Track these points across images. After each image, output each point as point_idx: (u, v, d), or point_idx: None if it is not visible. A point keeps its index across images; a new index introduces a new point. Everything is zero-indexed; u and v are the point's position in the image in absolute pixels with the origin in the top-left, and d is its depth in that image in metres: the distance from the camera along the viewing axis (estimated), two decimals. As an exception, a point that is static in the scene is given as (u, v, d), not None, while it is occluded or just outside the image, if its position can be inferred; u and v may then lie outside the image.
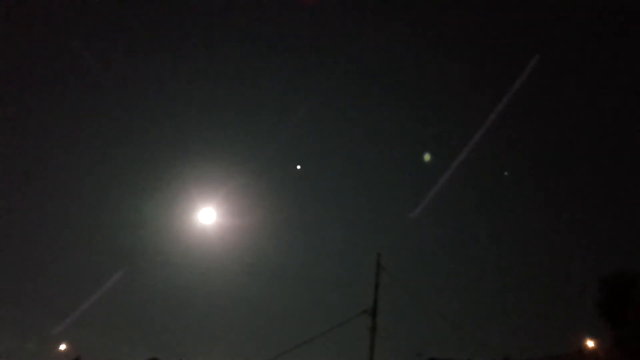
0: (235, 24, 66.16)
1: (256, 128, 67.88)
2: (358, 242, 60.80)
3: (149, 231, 53.01)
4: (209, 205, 47.43)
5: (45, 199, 58.43)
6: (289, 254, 55.87)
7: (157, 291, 52.89)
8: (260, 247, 52.68)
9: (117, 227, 56.77)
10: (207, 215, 33.65)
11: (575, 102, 65.81)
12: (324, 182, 65.67)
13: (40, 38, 61.03)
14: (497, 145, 65.65)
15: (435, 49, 68.49)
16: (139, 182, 60.22)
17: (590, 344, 33.94)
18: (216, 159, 56.73)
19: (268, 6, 64.51)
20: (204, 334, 49.94)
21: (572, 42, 62.50)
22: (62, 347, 41.30)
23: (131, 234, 54.67)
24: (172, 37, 65.43)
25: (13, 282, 51.57)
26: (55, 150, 60.68)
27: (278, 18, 64.32)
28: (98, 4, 60.36)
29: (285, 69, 67.86)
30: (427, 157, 55.51)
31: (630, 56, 61.06)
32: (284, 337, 43.95)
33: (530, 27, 65.08)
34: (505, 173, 57.75)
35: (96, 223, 56.46)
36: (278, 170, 65.53)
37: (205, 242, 43.46)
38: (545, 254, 60.19)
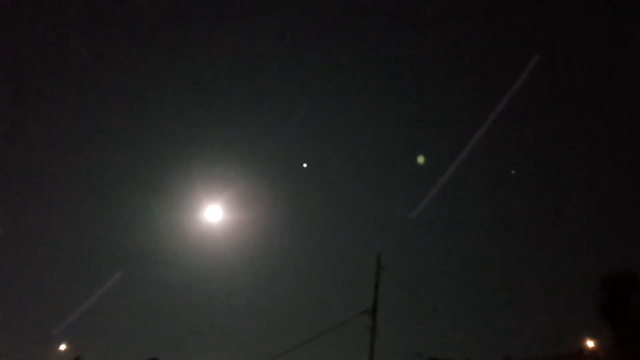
0: (237, 23, 66.18)
1: (259, 127, 67.96)
2: (358, 242, 60.81)
3: (152, 230, 53.10)
4: (215, 203, 47.53)
5: (47, 198, 58.50)
6: (289, 254, 55.90)
7: (157, 291, 52.94)
8: (262, 246, 52.74)
9: (119, 227, 56.87)
10: (213, 213, 33.58)
11: (575, 102, 65.85)
12: (324, 182, 65.71)
13: (40, 37, 61.06)
14: (497, 145, 65.68)
15: (436, 49, 68.53)
16: (142, 181, 60.32)
17: (590, 344, 33.91)
18: (221, 156, 56.80)
19: (269, 6, 64.54)
20: (204, 334, 49.95)
21: (572, 42, 62.54)
22: (62, 347, 41.29)
23: (134, 233, 54.80)
24: (172, 37, 65.43)
25: (13, 282, 51.60)
26: (56, 150, 60.77)
27: (279, 18, 64.37)
28: (98, 3, 60.43)
29: (286, 70, 67.88)
30: (420, 159, 55.36)
31: (630, 56, 61.08)
32: (284, 337, 43.98)
33: (530, 27, 65.14)
34: (512, 172, 57.73)
35: (98, 222, 56.56)
36: (280, 170, 65.57)
37: (211, 240, 43.42)
38: (546, 253, 60.21)
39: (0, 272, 50.39)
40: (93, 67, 54.87)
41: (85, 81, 62.16)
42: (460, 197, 63.30)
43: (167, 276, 50.39)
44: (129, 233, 56.39)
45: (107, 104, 63.86)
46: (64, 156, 60.68)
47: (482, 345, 30.91)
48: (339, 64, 69.48)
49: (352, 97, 70.45)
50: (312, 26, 66.73)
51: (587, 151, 64.70)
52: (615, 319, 31.07)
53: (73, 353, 41.31)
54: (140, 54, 65.56)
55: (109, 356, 44.83)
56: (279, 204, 56.78)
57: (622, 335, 30.43)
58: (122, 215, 56.33)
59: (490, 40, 70.11)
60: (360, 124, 68.52)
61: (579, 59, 63.39)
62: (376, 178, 70.23)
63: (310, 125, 65.45)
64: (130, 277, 48.06)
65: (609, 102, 62.88)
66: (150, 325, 51.74)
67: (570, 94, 66.29)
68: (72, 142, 61.77)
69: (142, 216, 54.81)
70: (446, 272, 59.25)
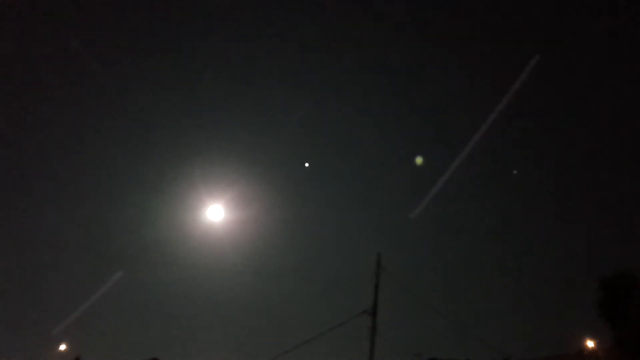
0: (238, 23, 66.26)
1: (260, 127, 67.99)
2: (358, 242, 60.83)
3: (153, 230, 53.08)
4: (217, 203, 47.59)
5: (47, 198, 58.51)
6: (289, 254, 55.89)
7: (157, 291, 52.95)
8: (262, 246, 52.76)
9: (120, 226, 56.89)
10: (215, 213, 33.58)
11: (575, 102, 65.86)
12: (325, 182, 65.72)
13: (40, 38, 61.07)
14: (497, 145, 65.70)
15: (436, 49, 68.56)
16: (143, 181, 60.36)
17: (590, 344, 33.93)
18: (223, 156, 56.80)
19: (269, 6, 64.58)
20: (204, 334, 49.96)
21: (572, 42, 62.53)
22: (62, 347, 41.26)
23: (135, 232, 54.81)
24: (173, 37, 65.45)
25: (13, 282, 51.61)
26: (57, 150, 60.74)
27: (280, 18, 64.44)
28: (98, 3, 60.45)
29: (287, 70, 67.94)
30: (418, 160, 55.30)
31: (630, 56, 61.10)
32: (284, 337, 43.96)
33: (530, 27, 65.14)
34: (515, 172, 57.83)
35: (99, 222, 56.54)
36: (281, 170, 65.61)
37: (212, 240, 43.42)
38: (546, 253, 60.22)
39: (0, 272, 50.40)
40: (93, 67, 54.87)
41: (85, 81, 62.18)
42: (460, 197, 63.27)
43: (167, 276, 50.37)
44: (129, 233, 56.44)
45: (108, 104, 63.93)
46: (64, 156, 60.74)
47: (482, 345, 30.92)
48: (339, 64, 69.57)
49: (352, 97, 70.56)
50: (312, 27, 66.79)
51: (587, 151, 64.73)
52: (615, 319, 31.10)
53: (73, 353, 41.29)
54: (141, 53, 65.62)
55: (109, 356, 44.83)
56: (280, 204, 56.81)
57: (622, 335, 30.45)
58: (123, 215, 56.35)
59: (490, 40, 70.19)
60: (360, 124, 68.61)
61: (579, 59, 63.44)
62: (376, 178, 70.28)
63: (311, 125, 65.57)
64: (130, 277, 47.98)
65: (609, 102, 62.92)
66: (150, 325, 51.76)
67: (570, 94, 66.36)
68: (73, 142, 61.84)
69: (143, 216, 54.87)
70: (446, 272, 59.12)
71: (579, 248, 58.65)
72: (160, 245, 52.10)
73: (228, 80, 67.41)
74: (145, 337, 49.53)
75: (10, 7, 54.54)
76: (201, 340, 48.29)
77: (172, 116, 64.78)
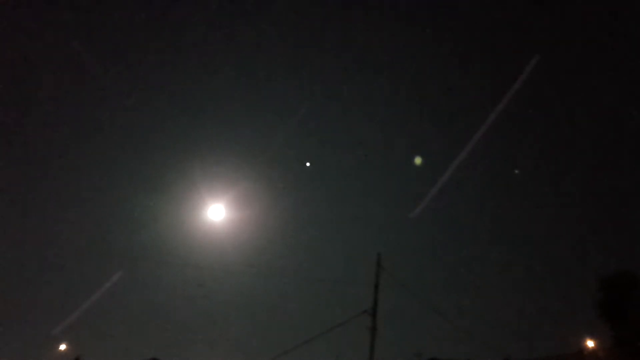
0: (239, 23, 66.25)
1: (261, 126, 67.92)
2: (358, 242, 60.83)
3: (153, 229, 53.04)
4: (218, 202, 47.62)
5: (47, 198, 58.47)
6: (289, 254, 55.87)
7: (157, 291, 52.91)
8: (263, 245, 52.74)
9: (120, 226, 56.86)
10: (216, 212, 33.56)
11: (576, 102, 65.85)
12: (325, 182, 65.68)
13: (40, 38, 61.05)
14: (497, 145, 65.68)
15: (436, 49, 68.50)
16: (143, 180, 60.35)
17: (590, 344, 33.95)
18: (224, 155, 56.73)
19: (270, 6, 64.58)
20: (204, 334, 49.95)
21: (572, 42, 62.52)
22: (62, 347, 41.29)
23: (135, 232, 54.77)
24: (173, 37, 65.38)
25: (13, 282, 51.61)
26: (57, 150, 60.68)
27: (281, 18, 64.44)
28: (98, 4, 60.44)
29: (287, 69, 67.86)
30: (417, 160, 55.19)
31: (630, 56, 61.09)
32: (284, 337, 43.97)
33: (530, 27, 65.13)
34: (516, 171, 57.77)
35: (99, 222, 56.53)
36: (282, 169, 65.56)
37: (213, 239, 43.41)
38: (546, 253, 60.22)
39: (1, 272, 50.39)
40: (93, 67, 54.85)
41: (86, 81, 62.16)
42: (460, 197, 63.22)
43: (167, 276, 50.36)
44: (130, 233, 56.41)
45: (108, 104, 63.86)
46: (64, 156, 60.67)
47: (482, 345, 30.96)
48: (339, 64, 69.52)
49: (352, 97, 70.45)
50: (313, 26, 66.76)
51: (587, 151, 64.72)
52: (615, 319, 31.12)
53: (73, 353, 41.30)
54: (141, 53, 65.53)
55: (109, 356, 44.86)
56: (281, 204, 56.78)
57: (622, 335, 30.48)
58: (123, 215, 56.31)
59: (490, 40, 70.15)
60: (360, 123, 68.54)
61: (579, 59, 63.43)
62: (376, 178, 70.26)
63: (312, 125, 65.44)
64: (130, 277, 47.98)
65: (609, 102, 62.88)
66: (150, 325, 51.74)
67: (571, 94, 66.34)
68: (73, 142, 61.70)
69: (144, 215, 54.79)
70: (446, 272, 59.08)
71: (579, 248, 58.68)
72: (161, 245, 52.10)
73: (228, 80, 67.41)
74: (145, 337, 49.57)
75: (10, 7, 54.59)
76: (201, 340, 48.30)
77: (172, 116, 64.70)
